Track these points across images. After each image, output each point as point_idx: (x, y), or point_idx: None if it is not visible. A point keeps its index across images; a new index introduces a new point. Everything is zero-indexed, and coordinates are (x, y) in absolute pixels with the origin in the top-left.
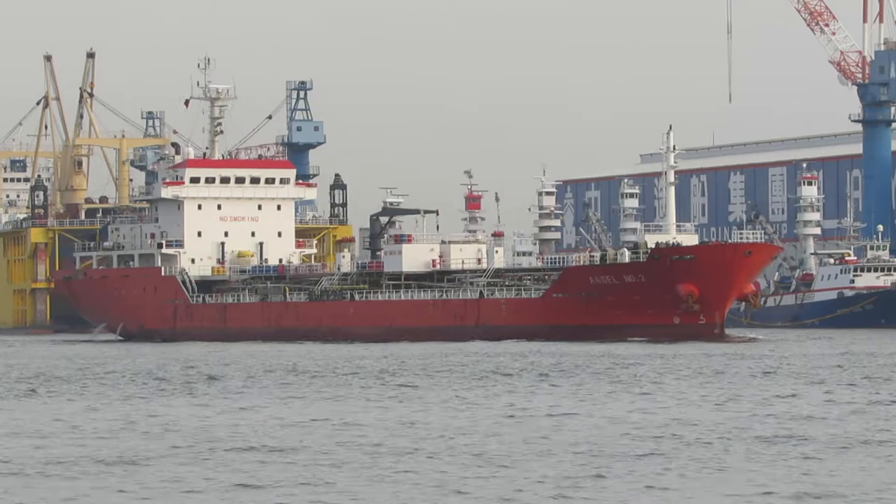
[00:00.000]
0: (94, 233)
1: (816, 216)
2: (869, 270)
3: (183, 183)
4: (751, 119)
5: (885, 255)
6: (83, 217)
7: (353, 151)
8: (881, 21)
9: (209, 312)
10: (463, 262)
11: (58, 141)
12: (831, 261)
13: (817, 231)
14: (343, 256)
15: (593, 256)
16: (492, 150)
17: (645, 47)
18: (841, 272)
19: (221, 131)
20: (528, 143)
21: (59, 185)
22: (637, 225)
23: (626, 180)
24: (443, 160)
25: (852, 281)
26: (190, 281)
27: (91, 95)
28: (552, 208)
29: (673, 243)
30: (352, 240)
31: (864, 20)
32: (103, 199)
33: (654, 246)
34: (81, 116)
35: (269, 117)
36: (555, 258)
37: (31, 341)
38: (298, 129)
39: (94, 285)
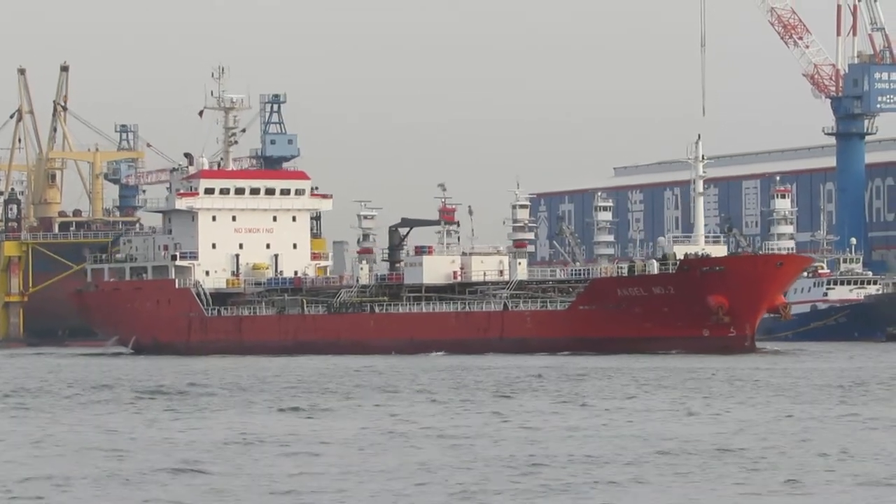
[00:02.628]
0: (68, 246)
1: (790, 229)
2: (842, 283)
3: (197, 194)
4: (724, 132)
5: (858, 268)
6: (57, 230)
7: (326, 164)
8: (854, 34)
9: (225, 325)
10: (484, 274)
11: (31, 154)
12: (804, 274)
13: (791, 244)
14: (361, 268)
15: (621, 268)
16: (465, 162)
17: (617, 60)
18: (814, 285)
19: (236, 142)
20: (502, 156)
21: (33, 198)
22: (611, 238)
23: (599, 193)
24: (417, 173)
25: (825, 294)
26: (204, 293)
27: (64, 109)
28: (526, 221)
29: (702, 254)
30: (370, 251)
31: (838, 33)
32: (77, 213)
33: (682, 257)
34: (55, 130)
35: (243, 130)
36: (580, 270)
37: (18, 354)
38: (272, 142)
39: (105, 298)
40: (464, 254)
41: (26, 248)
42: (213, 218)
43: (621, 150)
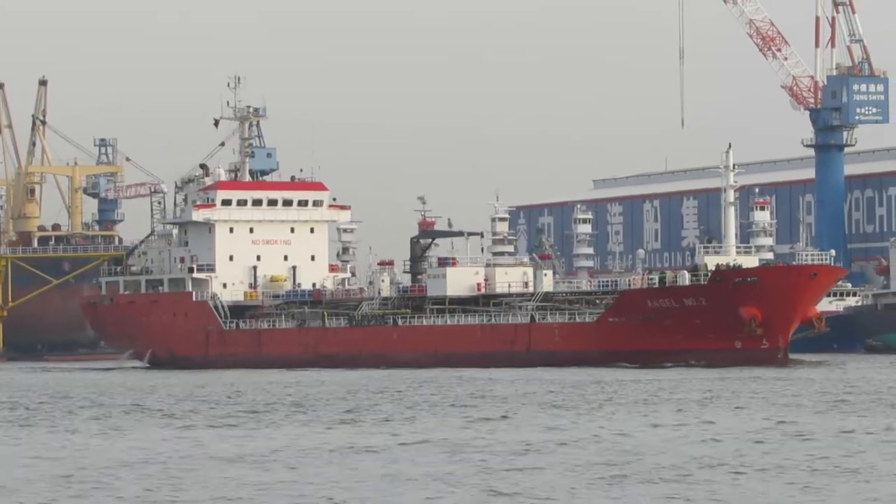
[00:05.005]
0: (48, 260)
1: (769, 241)
2: None
3: (214, 205)
4: (703, 144)
5: None
6: (36, 244)
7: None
8: (833, 46)
9: (243, 338)
10: (509, 286)
11: (10, 168)
12: None
13: (770, 256)
14: (382, 280)
15: (651, 279)
16: (444, 173)
17: (596, 72)
18: None
19: (252, 153)
20: (482, 169)
21: (12, 212)
22: (590, 250)
23: (578, 206)
24: (396, 185)
25: None
26: (222, 306)
27: (43, 123)
28: (505, 234)
29: (733, 265)
30: (391, 263)
31: (816, 45)
32: (56, 227)
33: (714, 268)
34: (34, 144)
35: (222, 144)
36: (608, 281)
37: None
38: (252, 155)
39: (120, 311)
40: (487, 265)
41: (5, 263)
42: (231, 229)
43: (601, 163)
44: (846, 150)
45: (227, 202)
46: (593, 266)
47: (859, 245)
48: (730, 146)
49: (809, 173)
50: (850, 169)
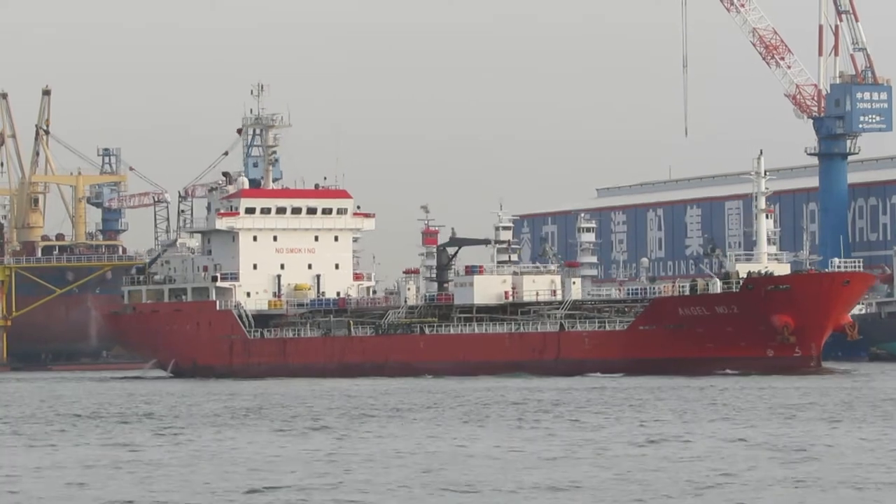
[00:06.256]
0: (51, 270)
1: (773, 249)
2: None
3: (238, 214)
4: (707, 152)
5: None
6: (39, 254)
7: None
8: (836, 54)
9: (268, 348)
10: (537, 294)
11: (14, 178)
12: None
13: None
14: (408, 288)
15: (683, 286)
16: (447, 182)
17: (599, 80)
18: None
19: (276, 160)
20: (485, 178)
21: (16, 222)
22: (594, 259)
23: (582, 215)
24: (398, 193)
25: None
26: (246, 315)
27: (47, 132)
28: (509, 243)
29: (765, 272)
30: (416, 271)
31: (820, 53)
32: (60, 237)
33: (745, 275)
34: (37, 154)
35: (226, 153)
36: (637, 289)
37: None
38: (255, 164)
39: (143, 320)
40: (515, 273)
41: (9, 272)
42: (255, 238)
43: (604, 171)
44: (849, 158)
45: (250, 210)
46: (597, 275)
47: (863, 253)
48: (761, 153)
49: (813, 182)
50: (853, 177)
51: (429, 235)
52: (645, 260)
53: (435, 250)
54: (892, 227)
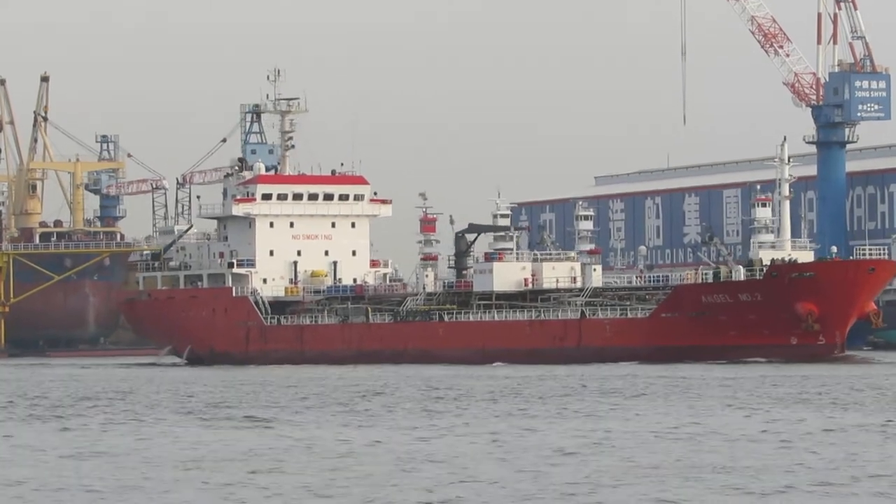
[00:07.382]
0: (49, 257)
1: (770, 238)
2: None
3: (254, 200)
4: (705, 141)
5: None
6: (38, 241)
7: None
8: (835, 43)
9: (285, 334)
10: (557, 281)
11: (12, 164)
12: None
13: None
14: (427, 275)
15: (706, 274)
16: (445, 170)
17: (597, 68)
18: None
19: (292, 146)
20: (483, 165)
21: (14, 208)
22: (592, 247)
23: (580, 202)
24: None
25: None
26: (263, 302)
27: (45, 119)
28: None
29: (789, 260)
30: (435, 258)
31: (818, 42)
32: (58, 223)
33: (769, 263)
34: (35, 140)
35: (224, 140)
36: (659, 276)
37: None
38: (253, 151)
39: (159, 307)
40: (534, 260)
41: (7, 259)
42: (271, 224)
43: (602, 159)
44: (848, 146)
45: (267, 196)
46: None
47: (861, 242)
48: (784, 139)
49: (811, 170)
50: (851, 166)
51: (427, 223)
52: (643, 248)
53: (432, 238)
54: (891, 216)
